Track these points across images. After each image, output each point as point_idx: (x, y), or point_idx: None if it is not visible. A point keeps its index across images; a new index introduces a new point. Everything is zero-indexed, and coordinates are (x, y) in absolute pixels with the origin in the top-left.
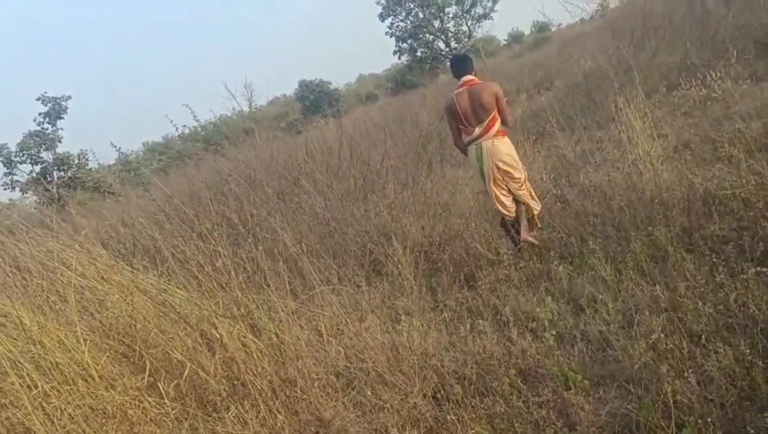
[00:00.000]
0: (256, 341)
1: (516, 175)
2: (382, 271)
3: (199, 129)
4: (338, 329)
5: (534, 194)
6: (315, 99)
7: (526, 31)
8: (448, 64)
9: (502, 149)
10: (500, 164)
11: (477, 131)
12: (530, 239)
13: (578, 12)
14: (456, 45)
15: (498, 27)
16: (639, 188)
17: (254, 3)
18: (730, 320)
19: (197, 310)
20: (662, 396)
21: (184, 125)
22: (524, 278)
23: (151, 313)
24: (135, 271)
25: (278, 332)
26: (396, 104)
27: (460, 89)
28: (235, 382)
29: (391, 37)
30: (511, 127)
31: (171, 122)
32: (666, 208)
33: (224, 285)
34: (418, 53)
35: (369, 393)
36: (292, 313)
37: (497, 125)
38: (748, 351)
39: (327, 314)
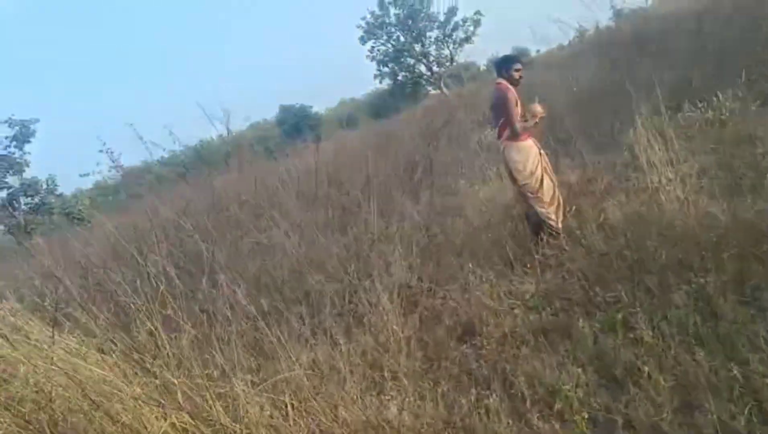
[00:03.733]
0: (203, 428)
1: (520, 180)
2: (363, 320)
3: (179, 153)
4: (308, 402)
5: (551, 205)
6: (295, 123)
7: None
8: None
9: (510, 154)
10: (509, 168)
11: (494, 132)
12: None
13: (559, 37)
14: (438, 69)
15: (478, 52)
16: (666, 223)
17: (233, 26)
18: None
19: (119, 393)
20: None
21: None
22: (538, 334)
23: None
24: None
25: (227, 417)
26: (377, 129)
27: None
28: None
29: (372, 60)
30: (519, 135)
31: (145, 146)
32: (702, 248)
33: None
34: (399, 77)
35: None
36: (251, 386)
37: (507, 132)
38: None
39: (294, 382)
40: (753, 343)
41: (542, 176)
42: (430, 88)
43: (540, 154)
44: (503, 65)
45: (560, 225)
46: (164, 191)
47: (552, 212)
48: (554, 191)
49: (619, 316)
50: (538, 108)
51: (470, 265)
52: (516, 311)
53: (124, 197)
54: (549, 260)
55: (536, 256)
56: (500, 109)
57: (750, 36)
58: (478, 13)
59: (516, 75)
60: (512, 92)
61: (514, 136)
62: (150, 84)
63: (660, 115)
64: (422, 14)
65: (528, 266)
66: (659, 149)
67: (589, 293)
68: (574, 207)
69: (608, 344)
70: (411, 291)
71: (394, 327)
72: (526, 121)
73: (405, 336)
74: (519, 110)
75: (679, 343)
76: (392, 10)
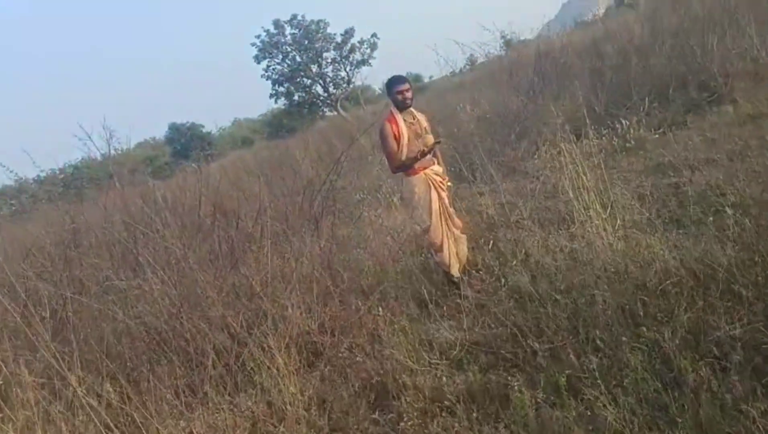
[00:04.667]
0: None
1: (411, 215)
2: (254, 378)
3: (57, 172)
4: None
5: (440, 251)
6: (186, 143)
7: None
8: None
9: (402, 187)
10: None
11: None
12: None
13: (450, 65)
14: (334, 90)
15: (374, 77)
16: (601, 263)
17: (120, 41)
18: None
19: None
20: None
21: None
22: (467, 400)
23: None
24: None
25: None
26: (273, 149)
27: None
28: None
29: (267, 80)
30: (394, 173)
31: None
32: (646, 293)
33: None
34: (296, 97)
35: None
36: None
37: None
38: None
39: None
40: (742, 422)
41: (431, 213)
42: (326, 110)
43: (433, 189)
44: (386, 90)
45: (456, 272)
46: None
47: (445, 257)
48: (444, 233)
49: (563, 380)
50: (429, 138)
51: (379, 309)
52: (437, 369)
53: None
54: (469, 302)
55: (458, 300)
56: (380, 143)
57: (644, 67)
58: (374, 36)
59: (399, 97)
60: (392, 123)
61: (393, 171)
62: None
63: (565, 141)
64: (319, 35)
65: (445, 308)
66: (586, 177)
67: (524, 347)
68: (491, 241)
69: (553, 416)
70: (311, 340)
71: (291, 388)
72: (425, 148)
73: (305, 398)
74: (404, 140)
75: (643, 420)
76: (288, 30)
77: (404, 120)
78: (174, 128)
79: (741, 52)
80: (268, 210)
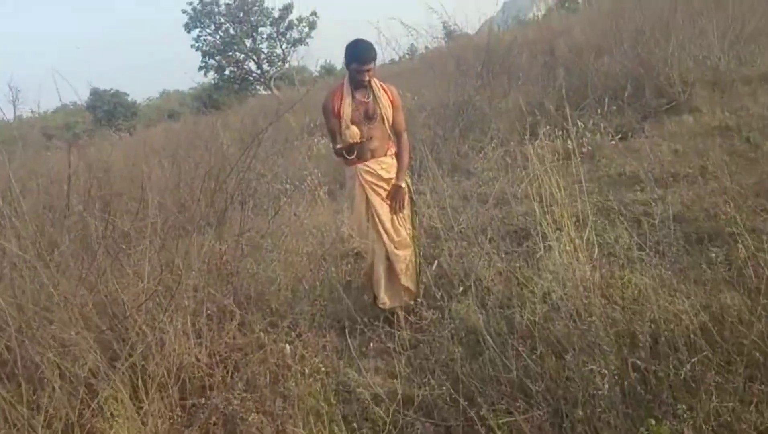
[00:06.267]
0: None
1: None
2: None
3: None
4: None
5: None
6: (109, 110)
7: (338, 66)
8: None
9: None
10: None
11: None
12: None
13: (393, 48)
14: (268, 68)
15: (309, 58)
16: (577, 306)
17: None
18: None
19: None
20: None
21: None
22: None
23: None
24: None
25: None
26: (196, 125)
27: None
28: None
29: (197, 51)
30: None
31: None
32: (638, 354)
33: None
34: (227, 72)
35: None
36: None
37: None
38: None
39: None
40: None
41: (356, 218)
42: (259, 87)
43: (362, 189)
44: (345, 57)
45: (385, 302)
46: None
47: (372, 278)
48: (372, 247)
49: None
50: (354, 132)
51: (286, 344)
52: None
53: None
54: (402, 339)
55: (389, 343)
56: None
57: (598, 67)
58: (314, 14)
59: (357, 76)
60: (335, 98)
61: (344, 158)
62: None
63: (514, 141)
64: (255, 7)
65: (371, 346)
66: (547, 184)
67: (476, 421)
68: (436, 261)
69: None
70: (198, 373)
71: None
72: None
73: None
74: (344, 122)
75: None
76: None
77: (353, 97)
78: (96, 94)
79: (701, 59)
80: (154, 200)
